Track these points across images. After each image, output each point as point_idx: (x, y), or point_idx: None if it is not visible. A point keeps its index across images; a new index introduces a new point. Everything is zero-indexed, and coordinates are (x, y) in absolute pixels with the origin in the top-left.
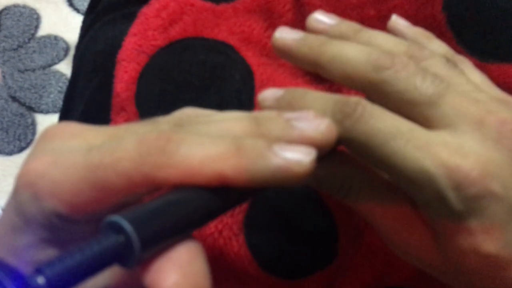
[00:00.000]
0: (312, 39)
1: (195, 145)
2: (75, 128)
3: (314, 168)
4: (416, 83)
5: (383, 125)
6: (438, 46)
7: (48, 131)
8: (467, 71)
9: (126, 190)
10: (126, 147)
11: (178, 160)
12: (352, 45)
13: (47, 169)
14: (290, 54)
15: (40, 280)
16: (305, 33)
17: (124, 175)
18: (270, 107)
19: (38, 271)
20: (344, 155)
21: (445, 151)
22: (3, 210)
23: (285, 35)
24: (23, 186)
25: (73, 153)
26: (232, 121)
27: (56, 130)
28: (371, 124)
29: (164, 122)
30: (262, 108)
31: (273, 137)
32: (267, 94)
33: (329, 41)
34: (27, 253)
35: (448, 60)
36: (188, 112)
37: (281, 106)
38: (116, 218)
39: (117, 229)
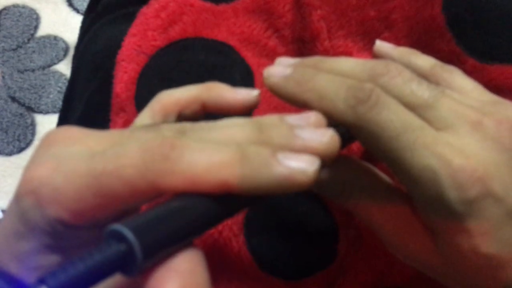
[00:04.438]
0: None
1: (199, 152)
2: (76, 133)
3: (317, 177)
4: (412, 88)
5: (396, 117)
6: (425, 61)
7: (48, 137)
8: (458, 79)
9: (129, 197)
10: (130, 154)
11: (183, 167)
12: (346, 61)
13: (49, 176)
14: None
15: None
16: (294, 66)
17: (128, 182)
18: (276, 85)
19: (41, 281)
20: (345, 160)
21: (450, 151)
22: (5, 215)
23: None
24: (26, 193)
25: (75, 159)
26: (234, 127)
27: (57, 136)
28: (384, 114)
29: (166, 129)
30: (266, 84)
31: (276, 145)
32: (275, 71)
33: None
34: (30, 260)
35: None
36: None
37: (289, 85)
38: (118, 226)
39: (119, 237)
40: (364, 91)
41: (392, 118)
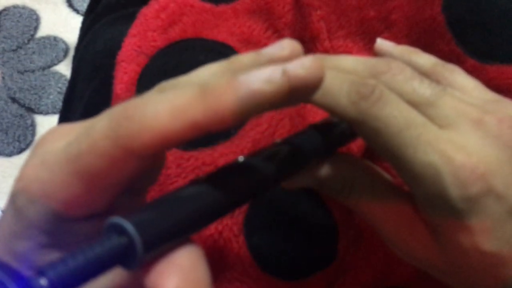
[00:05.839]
0: None
1: (161, 102)
2: (64, 129)
3: (288, 85)
4: (414, 86)
5: (399, 113)
6: (426, 59)
7: (41, 138)
8: (459, 77)
9: (110, 170)
10: (99, 128)
11: (148, 123)
12: (347, 58)
13: (36, 172)
14: None
15: (43, 281)
16: None
17: (103, 155)
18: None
19: (41, 272)
20: (345, 156)
21: (452, 148)
22: (1, 217)
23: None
24: (18, 192)
25: (56, 151)
26: (205, 68)
27: (48, 135)
28: (387, 110)
29: (145, 93)
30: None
31: (241, 68)
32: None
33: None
34: (28, 259)
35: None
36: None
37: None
38: (119, 219)
39: (120, 230)
40: (367, 86)
41: (395, 114)
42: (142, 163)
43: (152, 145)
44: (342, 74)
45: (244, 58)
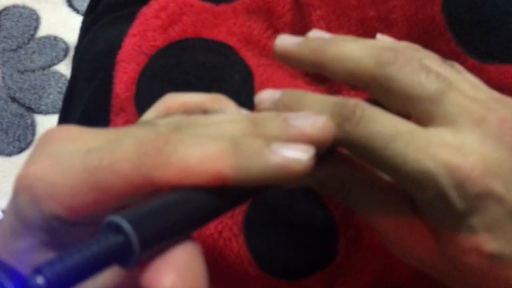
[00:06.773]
0: (313, 41)
1: (193, 145)
2: (74, 131)
3: (312, 166)
4: (420, 79)
5: (382, 128)
6: None
7: (47, 135)
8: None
9: (124, 191)
10: (125, 148)
11: (176, 160)
12: (353, 43)
13: (45, 172)
14: (292, 58)
15: (39, 280)
16: (305, 37)
17: (122, 176)
18: (267, 110)
19: (37, 271)
20: (343, 156)
21: (446, 151)
22: (3, 214)
23: (286, 40)
24: (22, 189)
25: (72, 156)
26: (230, 122)
27: (55, 134)
28: (370, 127)
29: (162, 125)
30: (259, 111)
31: (270, 136)
32: (264, 96)
33: (329, 41)
34: (27, 257)
35: (444, 60)
36: (184, 116)
37: (279, 108)
38: (116, 218)
39: (117, 229)
40: (348, 107)
41: (379, 129)
42: (156, 192)
43: (172, 182)
44: (323, 97)
45: (273, 124)
